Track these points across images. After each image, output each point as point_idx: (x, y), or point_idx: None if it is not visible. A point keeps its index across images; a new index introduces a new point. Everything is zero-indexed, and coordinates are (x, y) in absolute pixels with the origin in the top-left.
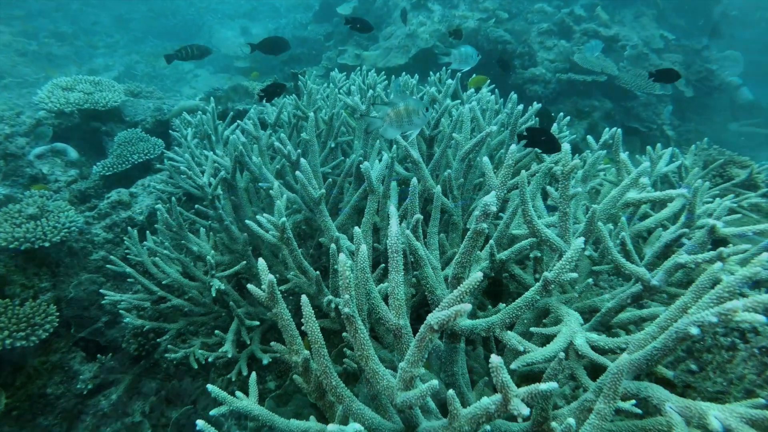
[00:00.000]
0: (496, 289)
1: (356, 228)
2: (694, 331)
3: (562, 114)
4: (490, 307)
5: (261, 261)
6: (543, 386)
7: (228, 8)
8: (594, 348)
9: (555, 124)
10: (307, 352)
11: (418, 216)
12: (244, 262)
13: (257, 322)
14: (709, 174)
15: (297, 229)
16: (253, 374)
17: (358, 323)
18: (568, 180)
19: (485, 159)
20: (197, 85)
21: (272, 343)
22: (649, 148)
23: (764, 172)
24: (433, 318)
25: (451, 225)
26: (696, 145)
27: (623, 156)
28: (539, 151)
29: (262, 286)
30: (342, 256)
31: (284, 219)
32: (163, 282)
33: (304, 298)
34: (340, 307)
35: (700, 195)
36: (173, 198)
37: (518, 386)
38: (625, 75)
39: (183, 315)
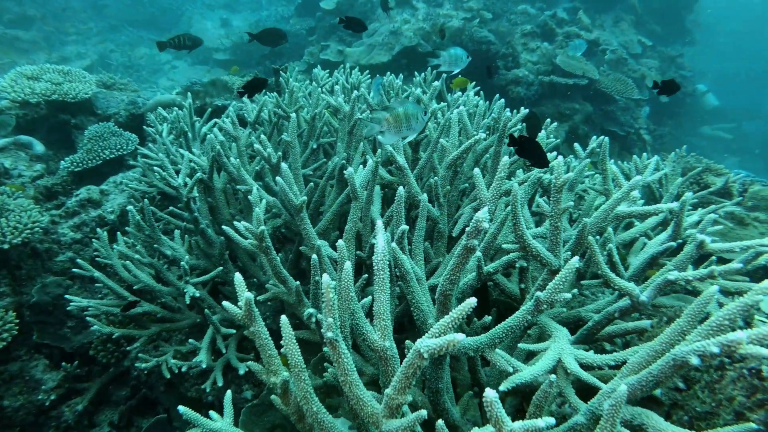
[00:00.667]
0: (481, 294)
1: (340, 241)
2: (695, 361)
3: (549, 120)
4: (475, 319)
5: (237, 276)
6: (540, 423)
7: None
8: (582, 365)
9: (543, 131)
10: (286, 373)
11: (404, 227)
12: (221, 267)
13: (233, 330)
14: (688, 181)
15: (276, 233)
16: (228, 393)
17: (341, 348)
18: (560, 193)
19: (476, 171)
20: (175, 76)
21: (249, 363)
22: (635, 158)
23: (738, 181)
24: (423, 346)
25: (437, 233)
26: (675, 153)
27: (614, 168)
28: (528, 163)
29: (239, 303)
30: (326, 278)
31: (263, 228)
32: (135, 287)
33: (283, 318)
34: (323, 331)
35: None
36: (146, 199)
37: (505, 397)
38: (605, 79)
39: (155, 321)
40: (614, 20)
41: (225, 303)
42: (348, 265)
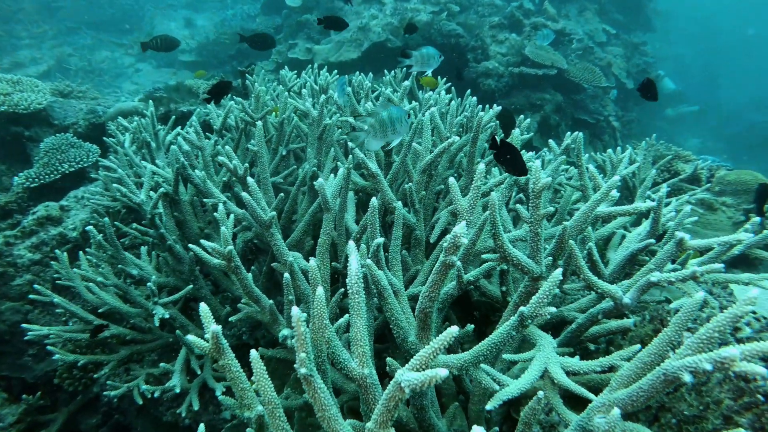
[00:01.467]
0: (462, 296)
1: (312, 262)
2: (687, 378)
3: (523, 117)
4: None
5: (202, 307)
6: None
7: None
8: (569, 373)
9: (516, 129)
10: (260, 407)
11: (379, 241)
12: (191, 286)
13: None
14: (659, 169)
15: (249, 244)
16: (201, 426)
17: (317, 383)
18: (539, 198)
19: (451, 180)
20: (139, 80)
21: (221, 397)
22: (610, 152)
23: (706, 168)
24: (404, 380)
25: (414, 240)
26: (646, 141)
27: (592, 168)
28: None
29: (205, 335)
30: (295, 310)
31: (230, 248)
32: (100, 311)
33: (253, 354)
34: (296, 366)
35: (664, 203)
36: (106, 218)
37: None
38: (573, 68)
39: (125, 343)
40: (579, 9)
41: (189, 337)
42: (320, 292)
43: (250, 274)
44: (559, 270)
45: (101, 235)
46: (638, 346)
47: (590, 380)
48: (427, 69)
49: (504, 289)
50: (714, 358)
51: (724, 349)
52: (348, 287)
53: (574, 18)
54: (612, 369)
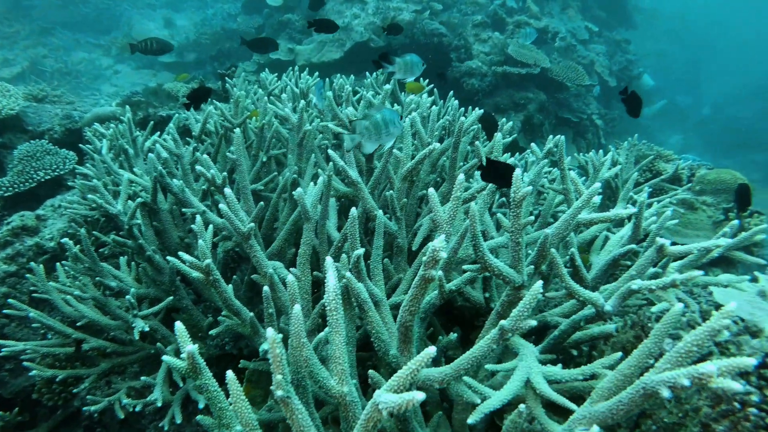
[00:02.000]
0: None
1: (290, 277)
2: (666, 393)
3: (505, 120)
4: (441, 337)
5: (178, 325)
6: None
7: None
8: (551, 381)
9: (498, 133)
10: (239, 427)
11: (359, 252)
12: (171, 297)
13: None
14: (641, 169)
15: (230, 253)
16: None
17: (294, 405)
18: (520, 208)
19: (431, 192)
20: (119, 82)
21: (199, 417)
22: (592, 155)
23: (686, 167)
24: (382, 402)
25: (396, 248)
26: (628, 141)
27: (573, 174)
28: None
29: (182, 355)
30: (270, 332)
31: (208, 261)
32: (78, 324)
33: (229, 374)
34: (272, 389)
35: (645, 209)
36: (82, 229)
37: None
38: (556, 67)
39: (106, 356)
40: (562, 7)
41: (166, 358)
42: (297, 309)
43: (230, 285)
44: (540, 282)
45: (78, 246)
46: (620, 354)
47: (573, 388)
48: (410, 77)
49: (487, 295)
50: (692, 373)
51: (701, 365)
52: (326, 304)
53: (557, 15)
54: (594, 376)
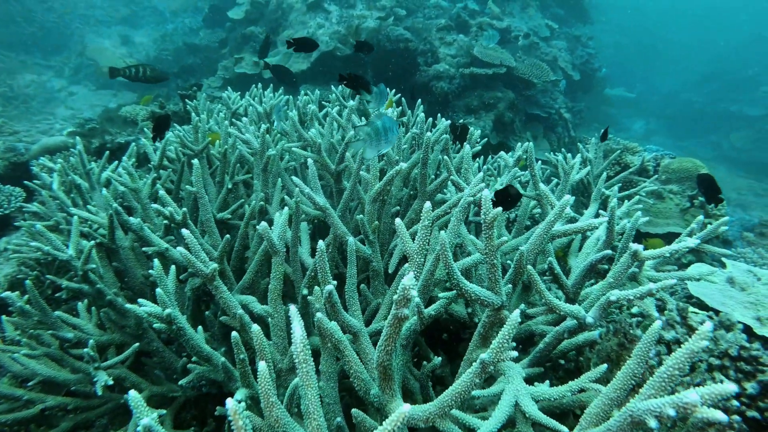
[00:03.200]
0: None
1: (254, 327)
2: (653, 423)
3: (472, 129)
4: (425, 363)
5: (132, 395)
6: None
7: (100, 13)
8: (539, 401)
9: (466, 144)
10: None
11: (329, 288)
12: (137, 344)
13: (164, 411)
14: (610, 163)
15: (200, 289)
16: None
17: None
18: (491, 229)
19: (398, 222)
20: (75, 104)
21: None
22: (560, 159)
23: (651, 159)
24: None
25: (372, 272)
26: (595, 137)
27: (544, 188)
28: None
29: (137, 429)
30: (230, 403)
31: (169, 311)
32: (30, 384)
33: None
34: None
35: (618, 212)
36: (27, 281)
37: None
38: (521, 65)
39: (68, 412)
40: (522, 6)
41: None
42: (263, 367)
43: (200, 329)
44: (517, 312)
45: (26, 296)
46: (605, 366)
47: (562, 404)
48: (383, 104)
49: (470, 310)
50: (677, 403)
51: (685, 394)
52: (294, 356)
53: (518, 15)
54: (583, 390)
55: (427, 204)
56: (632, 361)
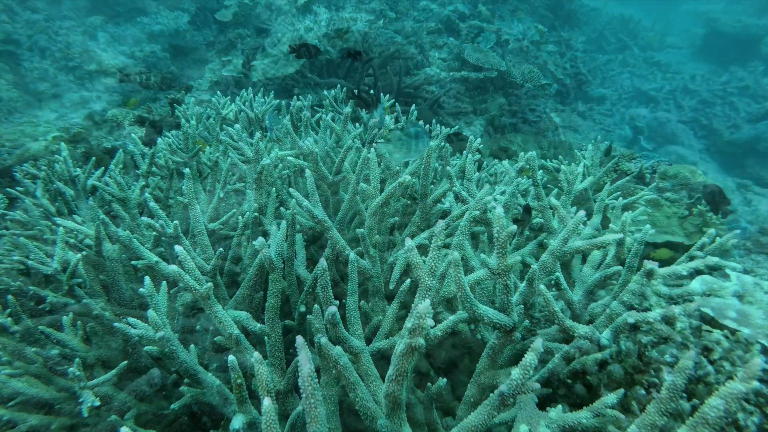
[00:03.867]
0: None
1: (256, 354)
2: None
3: (472, 137)
4: (429, 384)
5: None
6: None
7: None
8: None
9: (467, 153)
10: None
11: (332, 309)
12: (125, 362)
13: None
14: (608, 171)
15: (192, 307)
16: None
17: None
18: (505, 248)
19: (409, 242)
20: (60, 107)
21: None
22: (564, 169)
23: (648, 167)
24: None
25: (372, 288)
26: (592, 143)
27: (555, 202)
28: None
29: None
30: None
31: (161, 333)
32: (10, 404)
33: None
34: None
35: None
36: (9, 296)
37: None
38: (513, 69)
39: None
40: (511, 10)
41: None
42: (267, 403)
43: (192, 350)
44: (540, 341)
45: (8, 311)
46: (621, 391)
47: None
48: (383, 124)
49: (472, 327)
50: None
51: None
52: (302, 390)
53: (508, 18)
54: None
55: (440, 223)
56: (652, 406)
